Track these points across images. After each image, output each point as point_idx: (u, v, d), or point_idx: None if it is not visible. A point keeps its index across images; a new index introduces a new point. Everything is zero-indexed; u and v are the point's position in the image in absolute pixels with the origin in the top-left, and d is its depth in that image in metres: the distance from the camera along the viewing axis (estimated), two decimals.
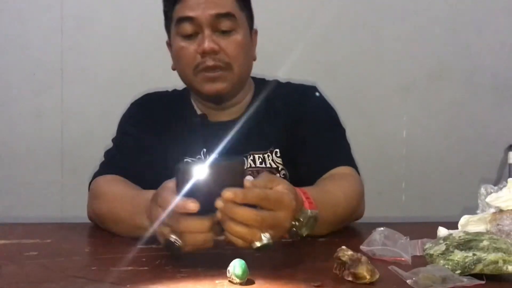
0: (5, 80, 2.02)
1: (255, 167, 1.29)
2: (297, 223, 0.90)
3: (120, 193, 1.12)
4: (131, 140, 1.32)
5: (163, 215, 0.83)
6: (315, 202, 0.95)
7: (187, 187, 0.80)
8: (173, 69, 1.33)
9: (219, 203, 0.79)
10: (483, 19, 2.18)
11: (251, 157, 1.30)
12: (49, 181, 2.04)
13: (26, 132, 2.03)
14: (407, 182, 2.18)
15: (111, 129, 2.04)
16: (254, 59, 1.35)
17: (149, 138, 1.31)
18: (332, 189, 1.11)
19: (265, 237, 0.80)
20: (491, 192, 0.99)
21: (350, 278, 0.77)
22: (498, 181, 1.02)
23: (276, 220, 0.82)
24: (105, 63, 2.06)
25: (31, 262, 0.89)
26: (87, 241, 1.11)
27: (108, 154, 1.32)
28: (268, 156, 1.30)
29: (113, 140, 1.35)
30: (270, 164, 1.30)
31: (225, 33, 1.24)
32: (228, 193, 0.79)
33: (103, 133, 2.03)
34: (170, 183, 0.86)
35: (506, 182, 0.98)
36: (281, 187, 0.86)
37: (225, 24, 1.24)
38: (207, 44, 1.21)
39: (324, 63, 2.06)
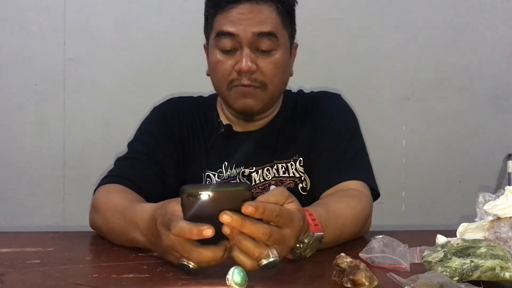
0: (8, 90, 2.04)
1: (279, 176, 1.29)
2: (301, 245, 0.90)
3: (114, 205, 1.10)
4: (144, 148, 1.29)
5: (175, 246, 0.81)
6: (321, 224, 0.94)
7: (192, 212, 0.78)
8: (208, 75, 1.31)
9: (226, 217, 0.76)
10: (481, 29, 2.20)
11: (275, 167, 1.30)
12: (51, 190, 2.05)
13: (28, 141, 2.04)
14: (407, 191, 2.19)
15: (113, 139, 2.06)
16: (291, 75, 1.33)
17: (166, 147, 1.29)
18: (339, 210, 1.07)
19: (272, 254, 0.79)
20: (489, 200, 0.99)
21: (349, 285, 0.78)
22: (497, 190, 1.03)
23: (283, 237, 0.81)
24: (107, 74, 2.07)
25: (33, 270, 0.89)
26: (89, 249, 1.11)
27: (118, 160, 1.29)
28: (292, 165, 1.29)
29: (128, 145, 1.32)
30: (293, 173, 1.29)
31: (264, 52, 1.23)
32: (250, 207, 0.76)
33: (105, 143, 2.06)
34: (176, 207, 0.83)
35: (504, 190, 0.99)
36: (292, 205, 0.85)
37: (265, 44, 1.22)
38: (245, 64, 1.20)
39: (323, 73, 2.07)
